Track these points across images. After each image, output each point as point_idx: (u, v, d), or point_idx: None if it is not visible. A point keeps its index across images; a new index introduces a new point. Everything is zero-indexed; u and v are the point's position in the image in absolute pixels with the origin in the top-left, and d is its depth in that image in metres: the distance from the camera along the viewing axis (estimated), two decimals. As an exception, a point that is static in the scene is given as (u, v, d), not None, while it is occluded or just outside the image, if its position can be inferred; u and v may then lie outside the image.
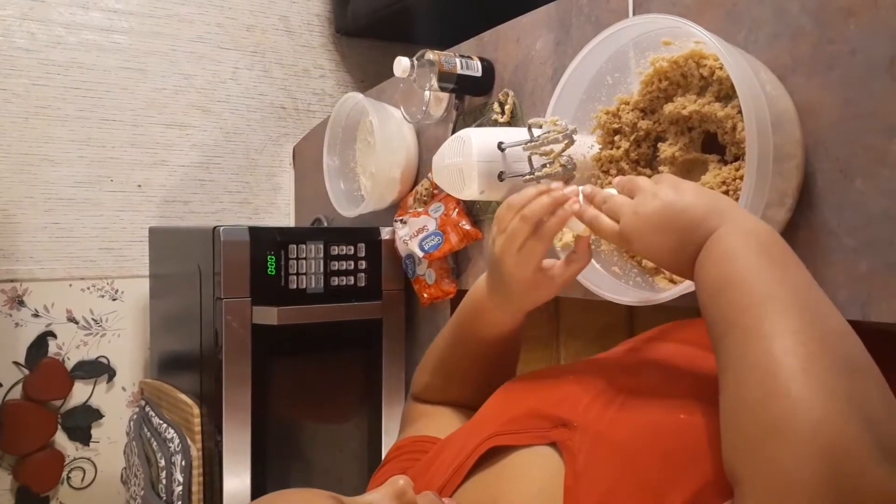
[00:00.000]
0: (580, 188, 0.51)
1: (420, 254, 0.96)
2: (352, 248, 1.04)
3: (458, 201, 0.95)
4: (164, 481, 1.03)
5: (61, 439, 1.35)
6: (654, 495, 0.36)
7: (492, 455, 0.44)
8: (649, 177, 0.67)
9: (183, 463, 1.00)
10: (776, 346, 0.33)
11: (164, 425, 1.08)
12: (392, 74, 0.93)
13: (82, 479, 1.37)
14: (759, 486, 0.31)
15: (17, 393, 1.31)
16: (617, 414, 0.43)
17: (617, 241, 0.47)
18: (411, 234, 0.99)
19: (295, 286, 1.00)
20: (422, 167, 1.08)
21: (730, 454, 0.33)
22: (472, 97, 0.95)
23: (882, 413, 0.32)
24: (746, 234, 0.40)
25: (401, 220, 1.03)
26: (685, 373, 0.45)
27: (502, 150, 0.74)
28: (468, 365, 0.59)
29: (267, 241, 0.99)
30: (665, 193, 0.44)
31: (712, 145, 0.61)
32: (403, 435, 0.61)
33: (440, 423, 0.58)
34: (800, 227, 0.56)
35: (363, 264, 1.05)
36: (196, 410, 1.02)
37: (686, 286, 0.56)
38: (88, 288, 1.38)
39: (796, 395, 0.31)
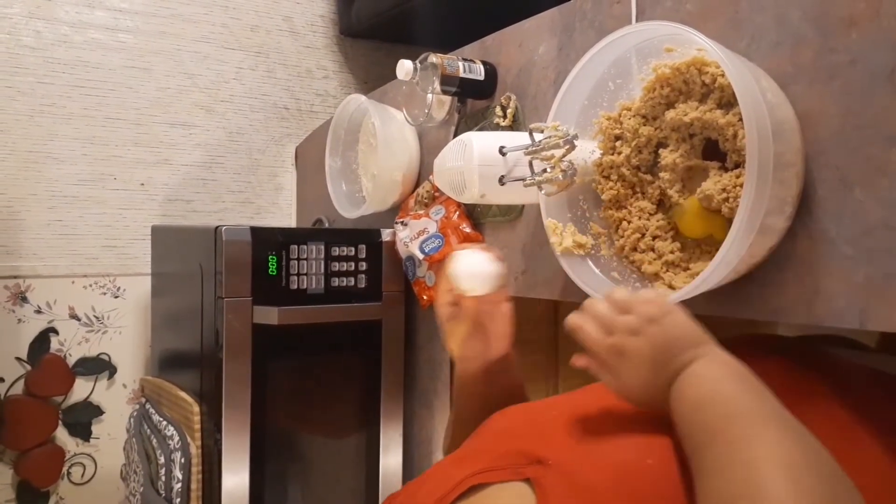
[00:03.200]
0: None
1: (420, 256, 0.97)
2: (352, 249, 1.05)
3: (459, 204, 0.95)
4: (163, 478, 1.03)
5: (62, 435, 1.36)
6: None
7: (471, 489, 0.45)
8: (650, 183, 0.67)
9: (182, 460, 1.00)
10: (762, 454, 0.35)
11: (164, 423, 1.08)
12: (395, 76, 0.93)
13: (82, 475, 1.37)
14: None
15: (18, 388, 1.32)
16: (588, 454, 0.44)
17: (604, 351, 0.48)
18: (412, 237, 0.99)
19: (296, 286, 1.00)
20: (423, 170, 1.08)
21: None
22: (475, 101, 0.95)
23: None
24: (724, 363, 0.44)
25: (402, 222, 1.03)
26: (656, 416, 0.46)
27: (503, 154, 0.74)
28: (480, 416, 0.59)
29: (268, 242, 0.99)
30: (653, 330, 0.46)
31: (713, 152, 0.62)
32: None
33: None
34: (799, 235, 0.56)
35: (364, 266, 1.05)
36: (196, 408, 1.03)
37: (685, 292, 0.56)
38: (91, 285, 1.39)
39: (782, 498, 0.33)
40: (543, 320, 1.13)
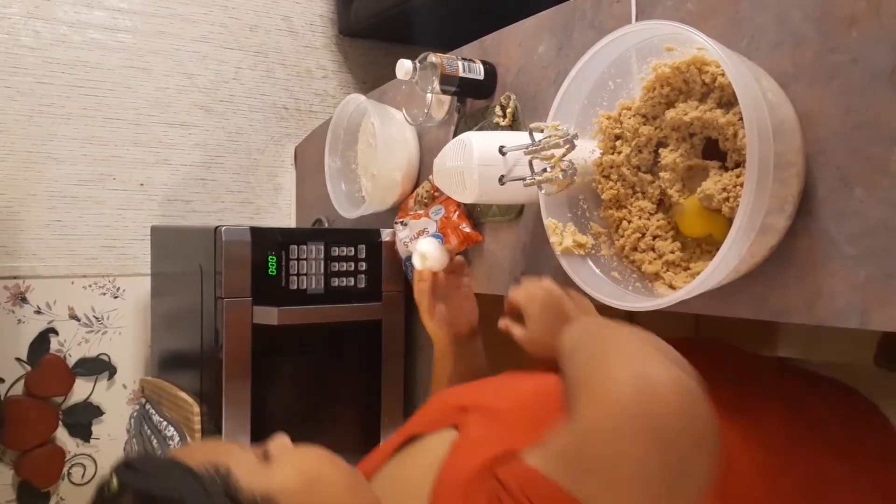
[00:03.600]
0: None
1: (421, 256, 0.97)
2: (352, 249, 1.05)
3: (459, 204, 0.95)
4: (163, 480, 1.03)
5: (62, 435, 1.36)
6: (515, 433, 0.51)
7: (413, 440, 0.57)
8: (650, 183, 0.67)
9: (182, 461, 1.00)
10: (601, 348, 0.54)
11: (164, 423, 1.08)
12: (394, 76, 0.93)
13: (83, 475, 1.38)
14: (592, 395, 0.46)
15: (19, 389, 1.32)
16: (498, 393, 0.60)
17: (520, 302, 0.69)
18: (412, 237, 0.99)
19: (295, 287, 1.00)
20: (423, 169, 1.08)
21: (570, 397, 0.49)
22: (474, 100, 0.95)
23: (663, 348, 0.49)
24: (583, 322, 0.63)
25: (401, 222, 1.03)
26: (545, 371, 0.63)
27: (503, 153, 0.74)
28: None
29: (268, 242, 0.99)
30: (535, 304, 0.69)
31: (713, 151, 0.62)
32: None
33: None
34: (799, 234, 0.56)
35: (363, 266, 1.05)
36: (196, 409, 1.03)
37: (685, 292, 0.56)
38: (90, 286, 1.39)
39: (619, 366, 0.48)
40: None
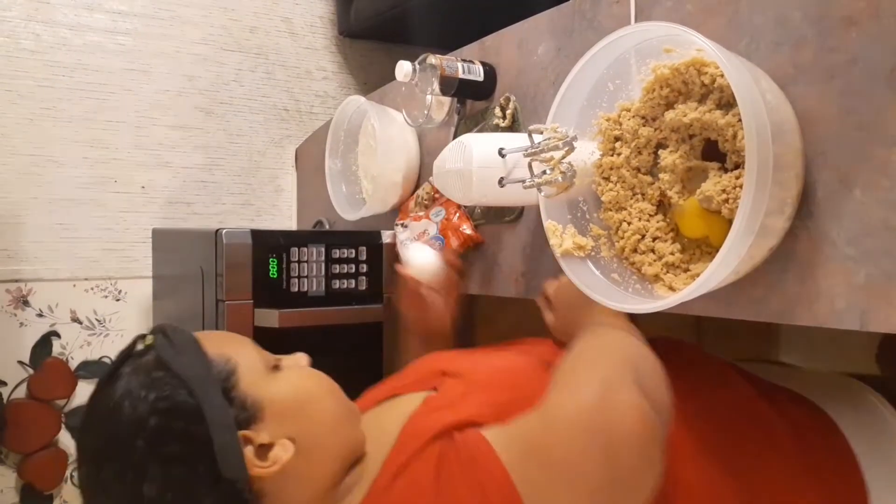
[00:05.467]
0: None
1: (421, 257, 0.97)
2: (353, 251, 1.05)
3: (459, 205, 0.95)
4: (165, 482, 1.03)
5: (65, 438, 1.36)
6: (485, 407, 0.55)
7: (393, 398, 0.63)
8: (650, 185, 0.67)
9: (184, 464, 1.00)
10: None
11: (166, 426, 1.09)
12: (394, 77, 0.93)
13: (85, 478, 1.38)
14: (562, 396, 0.51)
15: (21, 392, 1.32)
16: (478, 363, 0.64)
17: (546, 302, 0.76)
18: (412, 238, 0.99)
19: (296, 289, 1.00)
20: (423, 171, 1.08)
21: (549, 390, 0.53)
22: (474, 101, 0.95)
23: (646, 377, 0.53)
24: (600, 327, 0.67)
25: (402, 224, 1.03)
26: (530, 357, 0.70)
27: (503, 156, 0.74)
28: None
29: (269, 244, 0.99)
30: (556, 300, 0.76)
31: (713, 153, 0.61)
32: None
33: None
34: (799, 235, 0.56)
35: (364, 268, 1.05)
36: (198, 412, 1.03)
37: (685, 293, 0.56)
38: (92, 288, 1.39)
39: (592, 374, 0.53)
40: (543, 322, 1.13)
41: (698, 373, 0.72)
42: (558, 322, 0.72)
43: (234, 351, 0.54)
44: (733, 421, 0.67)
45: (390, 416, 0.58)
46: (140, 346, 0.54)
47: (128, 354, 0.54)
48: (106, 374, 0.54)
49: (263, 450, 0.52)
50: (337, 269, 1.03)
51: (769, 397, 0.71)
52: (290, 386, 0.55)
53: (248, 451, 0.51)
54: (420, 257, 0.82)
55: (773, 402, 0.70)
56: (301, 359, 0.59)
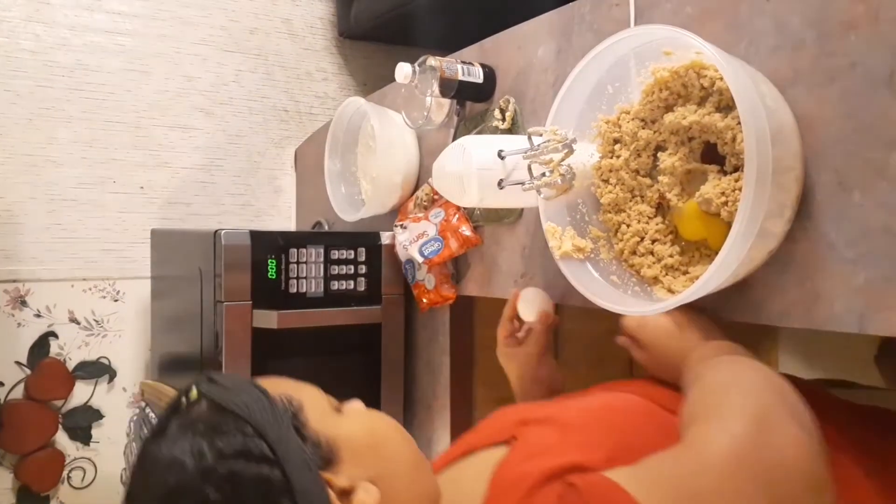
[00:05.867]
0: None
1: (420, 259, 0.97)
2: (352, 252, 1.05)
3: (459, 207, 0.95)
4: (163, 483, 1.03)
5: (62, 439, 1.36)
6: (589, 449, 0.48)
7: (467, 456, 0.56)
8: (649, 187, 0.67)
9: (182, 465, 1.00)
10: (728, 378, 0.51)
11: (164, 427, 1.08)
12: (394, 78, 0.93)
13: (82, 479, 1.37)
14: (708, 431, 0.44)
15: (18, 392, 1.32)
16: (569, 408, 0.58)
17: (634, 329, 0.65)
18: (411, 240, 0.99)
19: (295, 290, 1.00)
20: (423, 172, 1.08)
21: (684, 427, 0.47)
22: (474, 103, 0.95)
23: (794, 405, 0.47)
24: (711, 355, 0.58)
25: (401, 225, 1.03)
26: (626, 395, 0.62)
27: (502, 158, 0.74)
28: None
29: (268, 245, 0.99)
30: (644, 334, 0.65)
31: (712, 156, 0.61)
32: None
33: None
34: (798, 238, 0.56)
35: (363, 269, 1.05)
36: (196, 413, 1.03)
37: (684, 296, 0.56)
38: (90, 289, 1.39)
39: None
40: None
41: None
42: (653, 359, 0.64)
43: (293, 390, 0.49)
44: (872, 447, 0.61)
45: (468, 472, 0.52)
46: (186, 399, 0.47)
47: (174, 409, 0.47)
48: (151, 432, 0.46)
49: (344, 495, 0.45)
50: (336, 270, 1.03)
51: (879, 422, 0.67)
52: (362, 426, 0.50)
53: (331, 495, 0.45)
54: (531, 299, 0.76)
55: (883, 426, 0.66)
56: (357, 403, 0.53)
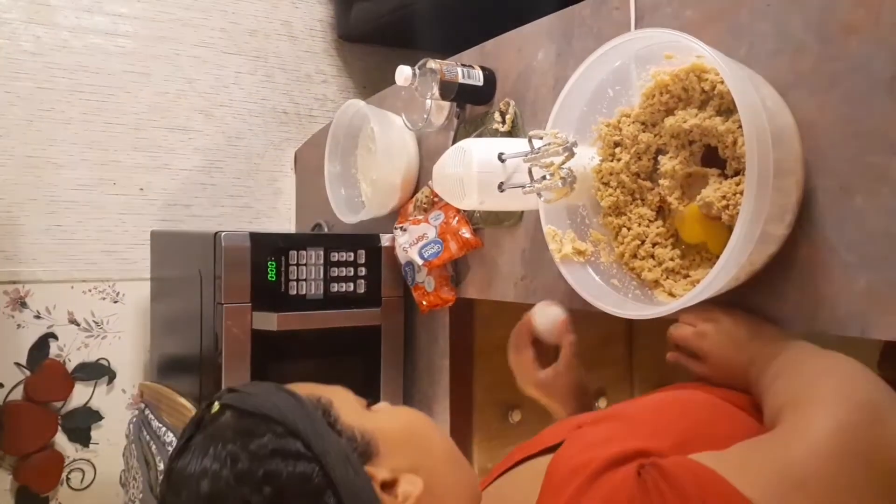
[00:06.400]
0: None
1: (419, 261, 0.96)
2: (352, 254, 1.05)
3: (459, 210, 0.95)
4: (162, 486, 1.02)
5: (61, 440, 1.35)
6: (657, 438, 0.45)
7: (524, 461, 0.53)
8: (650, 190, 0.67)
9: (181, 468, 1.00)
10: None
11: (163, 429, 1.08)
12: (394, 81, 0.93)
13: (81, 481, 1.37)
14: (815, 415, 0.42)
15: (18, 394, 1.32)
16: (627, 405, 0.55)
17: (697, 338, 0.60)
18: (411, 242, 0.99)
19: (295, 292, 1.00)
20: (422, 175, 1.08)
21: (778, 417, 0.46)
22: (474, 106, 0.95)
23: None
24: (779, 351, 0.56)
25: (401, 228, 1.03)
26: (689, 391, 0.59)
27: (502, 161, 0.74)
28: None
29: (268, 247, 0.99)
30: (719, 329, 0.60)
31: (713, 159, 0.61)
32: None
33: None
34: (800, 242, 0.56)
35: (363, 271, 1.05)
36: (195, 415, 1.02)
37: (685, 300, 0.56)
38: (90, 290, 1.39)
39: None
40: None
41: None
42: (719, 370, 0.58)
43: (320, 390, 0.47)
44: None
45: (522, 476, 0.50)
46: (209, 413, 0.45)
47: (197, 425, 0.45)
48: (175, 452, 0.44)
49: (387, 487, 0.44)
50: (335, 272, 1.03)
51: None
52: (397, 419, 0.49)
53: (376, 488, 0.43)
54: (544, 310, 0.73)
55: None
56: (385, 404, 0.52)
